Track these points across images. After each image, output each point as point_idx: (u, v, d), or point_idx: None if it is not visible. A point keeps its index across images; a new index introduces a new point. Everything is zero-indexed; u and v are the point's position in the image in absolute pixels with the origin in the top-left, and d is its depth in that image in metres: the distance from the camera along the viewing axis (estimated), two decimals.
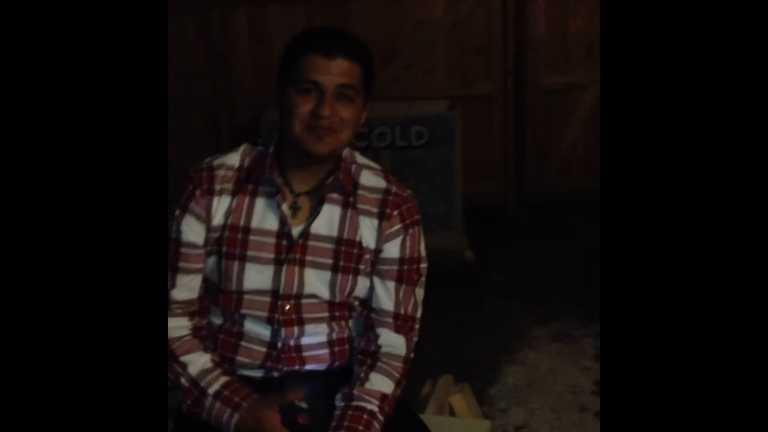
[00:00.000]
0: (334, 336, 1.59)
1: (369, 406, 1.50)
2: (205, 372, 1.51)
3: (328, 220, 1.54)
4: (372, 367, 1.54)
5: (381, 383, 1.53)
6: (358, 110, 1.50)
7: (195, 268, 1.54)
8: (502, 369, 2.93)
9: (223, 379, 1.51)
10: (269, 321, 1.54)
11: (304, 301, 1.54)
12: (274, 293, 1.53)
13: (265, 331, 1.55)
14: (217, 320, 1.59)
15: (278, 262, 1.52)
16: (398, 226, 1.56)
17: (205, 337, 1.57)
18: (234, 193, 1.52)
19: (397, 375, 1.55)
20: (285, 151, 1.54)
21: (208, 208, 1.51)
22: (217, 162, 1.55)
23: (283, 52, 1.51)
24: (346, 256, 1.54)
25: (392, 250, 1.56)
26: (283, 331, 1.54)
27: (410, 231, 1.57)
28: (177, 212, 1.52)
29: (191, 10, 4.33)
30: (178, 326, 1.53)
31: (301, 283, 1.53)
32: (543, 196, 4.43)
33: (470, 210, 4.24)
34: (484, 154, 4.45)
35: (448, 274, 3.84)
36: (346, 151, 1.57)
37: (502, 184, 4.48)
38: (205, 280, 1.55)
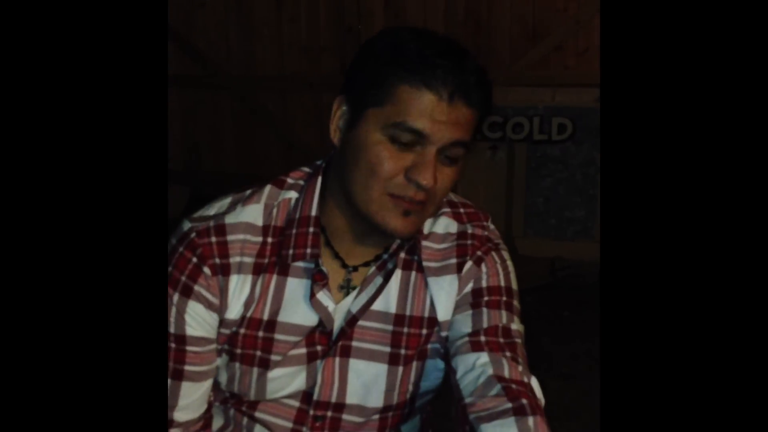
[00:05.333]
0: None
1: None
2: None
3: (384, 291, 1.09)
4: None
5: None
6: (457, 174, 1.02)
7: (206, 370, 1.07)
8: None
9: None
10: None
11: (345, 416, 1.10)
12: (306, 397, 1.09)
13: None
14: (218, 420, 1.15)
15: (313, 357, 1.08)
16: (469, 264, 1.10)
17: None
18: (256, 271, 1.05)
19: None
20: (332, 201, 1.06)
21: (223, 293, 1.04)
22: (230, 220, 1.05)
23: (372, 58, 0.99)
24: (410, 340, 1.09)
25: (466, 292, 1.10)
26: None
27: (486, 258, 1.11)
28: (176, 296, 1.03)
29: None
30: None
31: (343, 386, 1.09)
32: None
33: None
34: None
35: (586, 291, 3.35)
36: None
37: None
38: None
